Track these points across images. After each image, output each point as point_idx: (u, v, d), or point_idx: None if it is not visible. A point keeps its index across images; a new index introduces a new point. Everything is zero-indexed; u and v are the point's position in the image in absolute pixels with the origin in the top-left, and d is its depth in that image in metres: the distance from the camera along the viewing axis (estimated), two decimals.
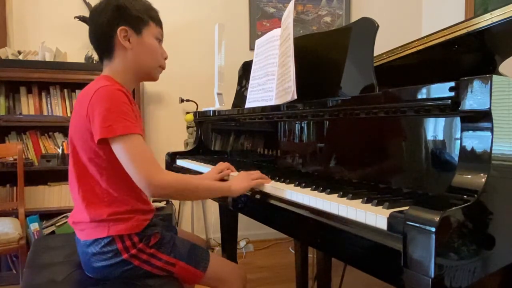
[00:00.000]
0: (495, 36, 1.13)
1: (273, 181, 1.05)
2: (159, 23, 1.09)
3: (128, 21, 1.01)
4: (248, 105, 1.44)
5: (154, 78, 1.12)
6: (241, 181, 1.06)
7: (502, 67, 1.33)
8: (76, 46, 2.51)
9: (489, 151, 0.63)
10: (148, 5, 1.07)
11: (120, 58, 1.04)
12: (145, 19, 1.04)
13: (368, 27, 1.06)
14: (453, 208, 0.57)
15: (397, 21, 3.16)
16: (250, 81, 1.48)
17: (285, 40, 1.22)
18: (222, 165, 1.24)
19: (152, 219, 1.05)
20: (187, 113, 2.68)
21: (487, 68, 1.30)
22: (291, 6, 1.22)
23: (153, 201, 2.32)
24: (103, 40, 1.03)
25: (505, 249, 0.66)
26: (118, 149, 0.91)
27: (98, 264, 0.96)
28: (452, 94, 0.67)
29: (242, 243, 2.69)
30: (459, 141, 0.68)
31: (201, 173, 1.31)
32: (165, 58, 1.12)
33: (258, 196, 1.05)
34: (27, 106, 2.33)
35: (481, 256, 0.62)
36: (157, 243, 0.99)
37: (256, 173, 1.08)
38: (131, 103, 0.97)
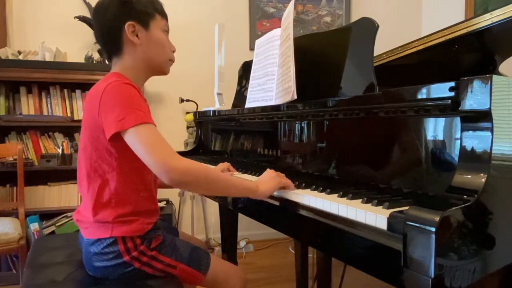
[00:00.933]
0: (495, 36, 1.13)
1: None
2: (164, 15, 1.07)
3: (134, 16, 1.00)
4: (248, 105, 1.44)
5: (164, 72, 1.10)
6: (268, 181, 0.96)
7: (502, 67, 1.33)
8: (76, 46, 2.52)
9: (489, 151, 0.63)
10: None
11: (129, 54, 1.02)
12: (151, 12, 1.03)
13: (368, 27, 1.06)
14: (453, 208, 0.57)
15: (397, 21, 3.16)
16: (250, 81, 1.48)
17: (285, 40, 1.22)
18: (223, 165, 1.24)
19: (156, 222, 1.04)
20: (187, 113, 2.68)
21: (487, 68, 1.30)
22: (291, 6, 1.22)
23: None
24: (110, 38, 1.01)
25: (505, 249, 0.66)
26: (132, 139, 0.88)
27: (98, 263, 0.96)
28: (452, 94, 0.67)
29: (242, 243, 2.69)
30: (459, 141, 0.68)
31: None
32: (173, 51, 1.10)
33: None
34: (27, 106, 2.33)
35: (481, 256, 0.62)
36: (158, 245, 0.98)
37: (284, 178, 0.99)
38: (141, 96, 0.96)
